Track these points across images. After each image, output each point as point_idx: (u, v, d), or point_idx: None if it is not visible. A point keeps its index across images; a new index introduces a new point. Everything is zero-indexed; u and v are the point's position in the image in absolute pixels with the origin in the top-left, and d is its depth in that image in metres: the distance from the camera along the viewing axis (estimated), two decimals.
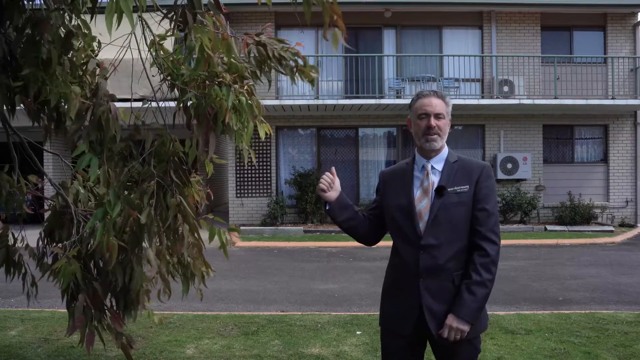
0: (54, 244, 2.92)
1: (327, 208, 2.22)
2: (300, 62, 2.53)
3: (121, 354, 3.84)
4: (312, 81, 2.59)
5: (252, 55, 2.49)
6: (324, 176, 2.19)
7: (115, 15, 1.86)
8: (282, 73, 2.55)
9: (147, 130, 2.47)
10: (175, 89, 2.52)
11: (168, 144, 2.42)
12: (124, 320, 2.89)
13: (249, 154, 2.55)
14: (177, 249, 2.58)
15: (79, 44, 2.54)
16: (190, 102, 2.40)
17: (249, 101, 2.43)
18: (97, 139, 2.41)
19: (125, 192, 2.39)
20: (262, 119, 2.61)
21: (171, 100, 2.63)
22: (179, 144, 2.47)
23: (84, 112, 2.44)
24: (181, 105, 2.49)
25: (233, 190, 12.74)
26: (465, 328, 1.94)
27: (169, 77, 2.55)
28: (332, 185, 2.18)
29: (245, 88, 2.43)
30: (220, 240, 2.70)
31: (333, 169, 2.24)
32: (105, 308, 2.77)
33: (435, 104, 2.04)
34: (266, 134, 2.62)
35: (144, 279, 2.70)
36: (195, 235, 2.65)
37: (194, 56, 2.31)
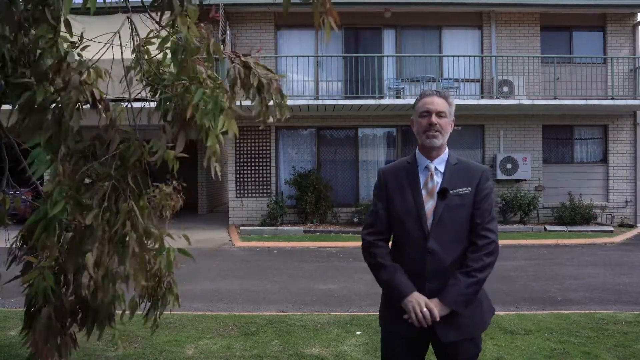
0: (28, 248, 2.77)
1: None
2: (278, 99, 2.48)
3: (121, 354, 3.85)
4: (282, 116, 2.54)
5: (231, 74, 2.41)
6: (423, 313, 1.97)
7: None
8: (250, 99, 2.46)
9: (114, 132, 2.37)
10: (157, 94, 2.47)
11: (134, 148, 2.31)
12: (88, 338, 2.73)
13: (215, 165, 2.35)
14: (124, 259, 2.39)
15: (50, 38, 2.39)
16: (165, 102, 2.34)
17: (221, 100, 2.29)
18: (56, 133, 2.28)
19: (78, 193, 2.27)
20: (231, 113, 2.41)
21: (148, 100, 2.58)
22: (146, 149, 2.35)
23: (49, 106, 2.32)
24: (161, 109, 2.43)
25: (233, 191, 12.74)
26: (443, 312, 1.96)
27: (150, 79, 2.50)
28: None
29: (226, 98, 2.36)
30: (167, 259, 2.59)
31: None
32: (66, 328, 2.60)
33: (437, 103, 2.06)
34: (235, 133, 2.48)
35: (114, 295, 2.53)
36: (144, 245, 2.43)
37: (178, 57, 2.25)
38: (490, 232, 2.02)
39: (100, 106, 2.48)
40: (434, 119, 2.04)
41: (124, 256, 2.28)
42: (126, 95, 2.58)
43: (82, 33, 2.58)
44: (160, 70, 2.52)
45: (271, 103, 2.53)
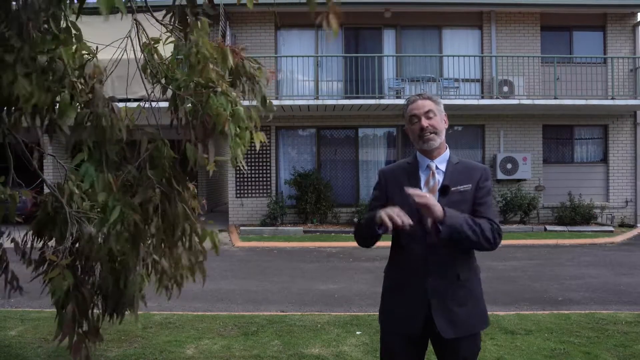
0: (41, 242, 2.90)
1: (380, 233, 2.03)
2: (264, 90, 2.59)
3: (121, 354, 3.84)
4: (269, 110, 2.65)
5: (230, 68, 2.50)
6: (397, 214, 1.91)
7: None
8: (243, 92, 2.56)
9: (141, 134, 2.44)
10: (168, 93, 2.51)
11: (162, 149, 2.39)
12: (113, 320, 2.87)
13: (241, 162, 2.47)
14: (179, 256, 2.58)
15: (73, 47, 2.47)
16: (186, 108, 2.38)
17: (245, 111, 2.42)
18: (96, 144, 2.38)
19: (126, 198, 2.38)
20: (258, 127, 2.58)
21: (165, 100, 2.62)
22: (169, 148, 2.44)
23: (84, 120, 2.41)
24: (172, 108, 2.48)
25: (233, 191, 12.74)
26: (439, 214, 1.89)
27: (163, 81, 2.53)
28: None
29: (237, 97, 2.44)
30: (212, 241, 2.72)
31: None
32: (89, 316, 2.74)
33: (423, 105, 2.08)
34: (261, 142, 2.60)
35: (141, 284, 2.68)
36: (200, 243, 2.66)
37: (188, 61, 2.30)
38: (498, 226, 2.03)
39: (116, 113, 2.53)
40: (424, 122, 2.05)
41: (180, 253, 2.54)
42: (131, 95, 2.60)
43: (96, 48, 2.62)
44: (170, 69, 2.54)
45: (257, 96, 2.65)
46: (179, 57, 2.41)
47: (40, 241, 2.94)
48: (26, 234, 2.98)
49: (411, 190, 1.91)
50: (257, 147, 2.53)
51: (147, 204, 2.30)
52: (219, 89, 2.31)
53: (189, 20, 2.22)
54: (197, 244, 2.68)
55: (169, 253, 2.55)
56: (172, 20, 2.39)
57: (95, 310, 2.83)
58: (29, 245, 2.96)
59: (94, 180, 2.33)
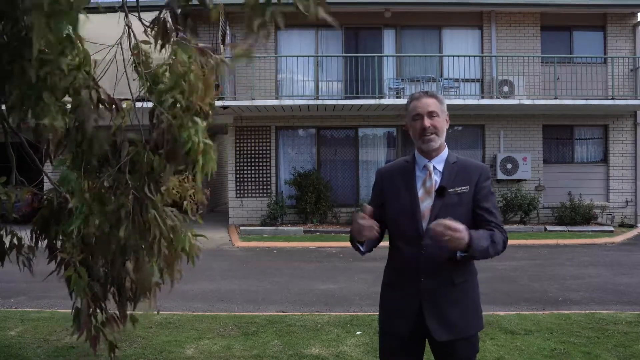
0: (46, 238, 2.92)
1: (363, 251, 2.10)
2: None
3: (121, 355, 3.84)
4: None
5: None
6: (363, 222, 1.92)
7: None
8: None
9: (124, 138, 2.45)
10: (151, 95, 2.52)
11: (143, 154, 2.41)
12: (125, 316, 2.89)
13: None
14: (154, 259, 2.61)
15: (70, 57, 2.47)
16: (163, 126, 2.39)
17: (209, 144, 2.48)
18: (80, 150, 2.42)
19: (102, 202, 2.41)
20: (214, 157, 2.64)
21: (145, 100, 2.63)
22: (151, 154, 2.47)
23: (72, 126, 2.42)
24: (150, 118, 2.51)
25: (233, 191, 12.74)
26: (465, 239, 1.82)
27: (148, 84, 2.54)
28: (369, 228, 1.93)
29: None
30: (184, 250, 2.71)
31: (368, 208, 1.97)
32: (104, 308, 2.78)
33: (428, 104, 2.04)
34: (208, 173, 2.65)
35: (153, 275, 2.72)
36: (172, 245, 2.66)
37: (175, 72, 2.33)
38: (505, 232, 2.04)
39: (113, 106, 2.52)
40: (427, 121, 2.02)
41: (158, 258, 2.55)
42: (119, 96, 2.61)
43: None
44: (157, 75, 2.54)
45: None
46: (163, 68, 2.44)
47: (44, 239, 2.95)
48: (32, 231, 2.98)
49: (433, 223, 1.85)
50: (209, 177, 2.59)
51: (119, 209, 2.34)
52: (199, 120, 2.35)
53: (169, 32, 2.27)
54: (172, 249, 2.69)
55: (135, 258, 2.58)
56: (155, 31, 2.43)
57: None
58: (33, 243, 2.96)
59: (71, 185, 2.37)
